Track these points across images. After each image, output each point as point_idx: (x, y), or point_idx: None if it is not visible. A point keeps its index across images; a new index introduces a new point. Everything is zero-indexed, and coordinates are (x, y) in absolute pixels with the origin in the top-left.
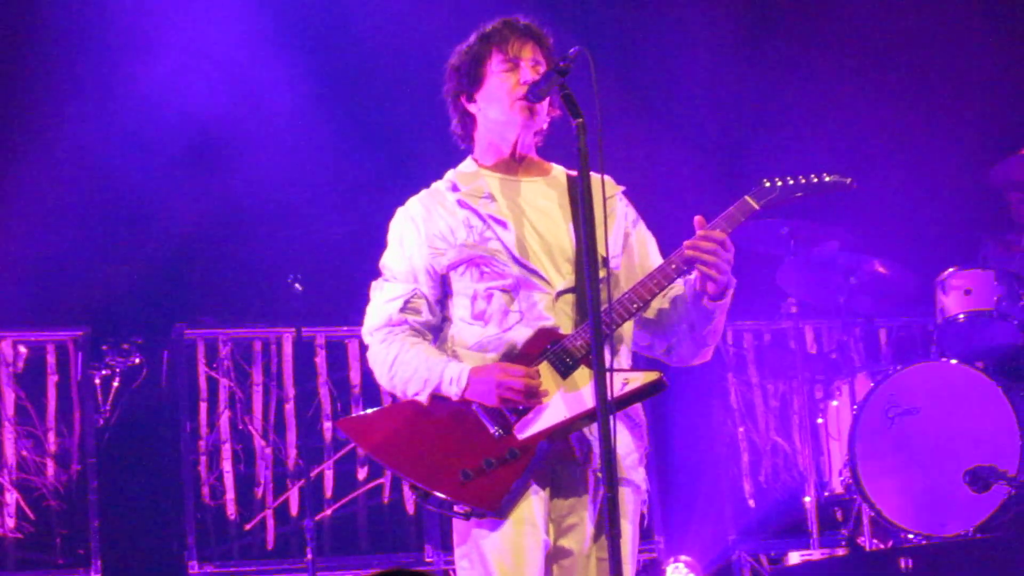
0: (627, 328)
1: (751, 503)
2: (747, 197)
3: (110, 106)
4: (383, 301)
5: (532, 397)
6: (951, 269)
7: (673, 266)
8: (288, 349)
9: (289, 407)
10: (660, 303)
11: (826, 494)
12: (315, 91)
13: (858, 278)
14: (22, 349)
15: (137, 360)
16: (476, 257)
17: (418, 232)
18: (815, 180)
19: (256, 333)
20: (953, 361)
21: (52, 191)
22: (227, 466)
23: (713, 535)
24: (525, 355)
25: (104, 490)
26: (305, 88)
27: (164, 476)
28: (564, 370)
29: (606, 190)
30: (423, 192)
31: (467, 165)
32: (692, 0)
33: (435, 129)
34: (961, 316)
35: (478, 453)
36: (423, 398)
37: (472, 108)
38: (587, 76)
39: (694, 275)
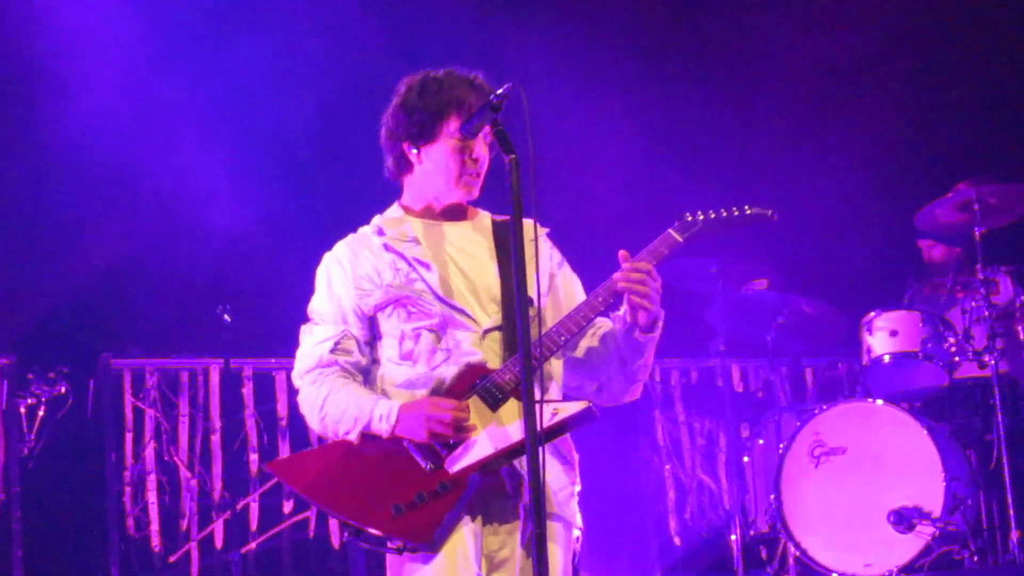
0: (556, 366)
1: (677, 541)
2: (670, 231)
3: (35, 134)
4: (313, 344)
5: (461, 431)
6: (877, 310)
7: (600, 299)
8: (215, 380)
9: (215, 438)
10: (589, 342)
11: (751, 532)
12: (246, 124)
13: (785, 317)
14: None
15: (63, 389)
16: (403, 297)
17: (345, 274)
18: (736, 213)
19: (183, 364)
20: (879, 401)
21: None
22: (152, 497)
23: (638, 573)
24: (454, 391)
25: (28, 520)
26: (236, 119)
27: (89, 507)
28: (493, 403)
29: (531, 233)
30: (349, 237)
31: (393, 211)
32: (613, 33)
33: (368, 167)
34: (887, 357)
35: (410, 487)
36: (353, 437)
37: (412, 157)
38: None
39: (622, 309)
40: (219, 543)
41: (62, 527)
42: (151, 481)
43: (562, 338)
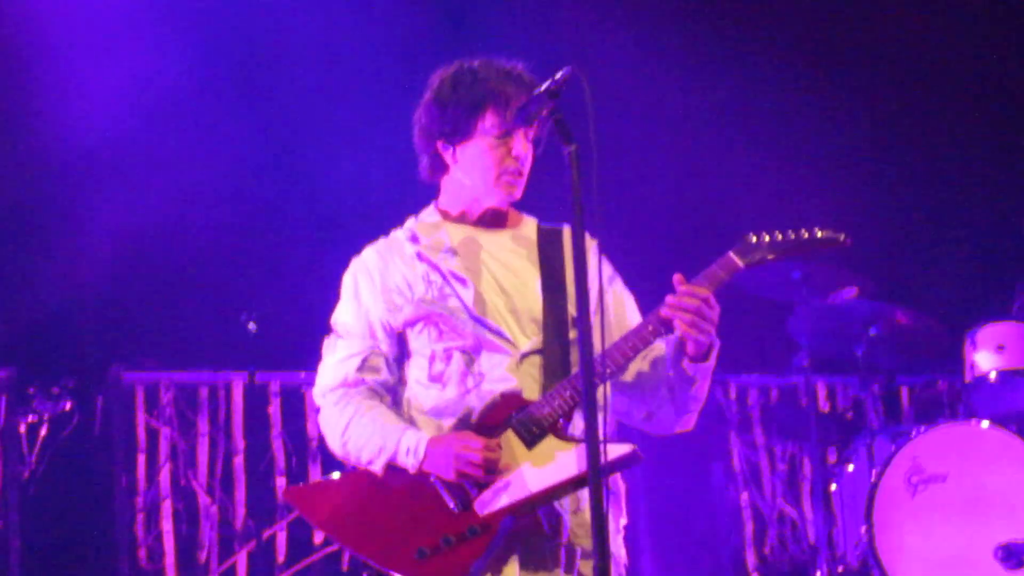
0: (605, 391)
1: None
2: (731, 253)
3: (34, 126)
4: (338, 360)
5: (492, 471)
6: (982, 322)
7: (650, 327)
8: (238, 396)
9: (238, 461)
10: (639, 365)
11: (840, 569)
12: (272, 124)
13: (878, 329)
14: None
15: (68, 406)
16: (434, 315)
17: (373, 285)
18: (806, 236)
19: (203, 378)
20: (984, 423)
21: None
22: (167, 526)
23: None
24: (486, 424)
25: (28, 551)
26: (261, 119)
27: (96, 536)
28: (529, 440)
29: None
30: (380, 241)
31: (429, 214)
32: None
33: (402, 169)
34: (993, 374)
35: (436, 530)
36: (378, 468)
37: (447, 157)
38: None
39: (676, 334)
40: None
41: (66, 558)
42: (166, 508)
43: (608, 370)
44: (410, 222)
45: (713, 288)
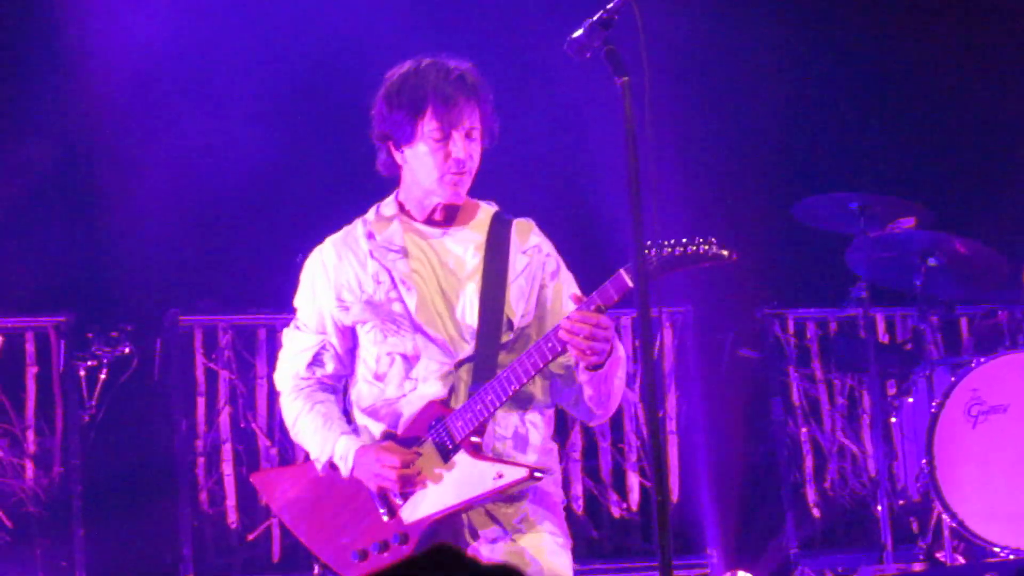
0: (535, 388)
1: (815, 512)
2: (622, 271)
3: (97, 76)
4: (293, 352)
5: (409, 485)
6: None
7: (549, 345)
8: None
9: None
10: (566, 358)
11: (900, 502)
12: (320, 66)
13: (937, 259)
14: None
15: (127, 350)
16: (379, 318)
17: (328, 281)
18: (692, 251)
19: (260, 319)
20: None
21: (33, 163)
22: (227, 468)
23: (773, 548)
24: (410, 432)
25: (89, 495)
26: (310, 63)
27: (157, 480)
28: (444, 453)
29: (522, 242)
30: (340, 233)
31: (388, 206)
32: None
33: None
34: None
35: (368, 534)
36: (319, 467)
37: (398, 157)
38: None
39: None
40: None
41: (127, 503)
42: (226, 451)
43: (512, 387)
44: (370, 214)
45: (608, 304)
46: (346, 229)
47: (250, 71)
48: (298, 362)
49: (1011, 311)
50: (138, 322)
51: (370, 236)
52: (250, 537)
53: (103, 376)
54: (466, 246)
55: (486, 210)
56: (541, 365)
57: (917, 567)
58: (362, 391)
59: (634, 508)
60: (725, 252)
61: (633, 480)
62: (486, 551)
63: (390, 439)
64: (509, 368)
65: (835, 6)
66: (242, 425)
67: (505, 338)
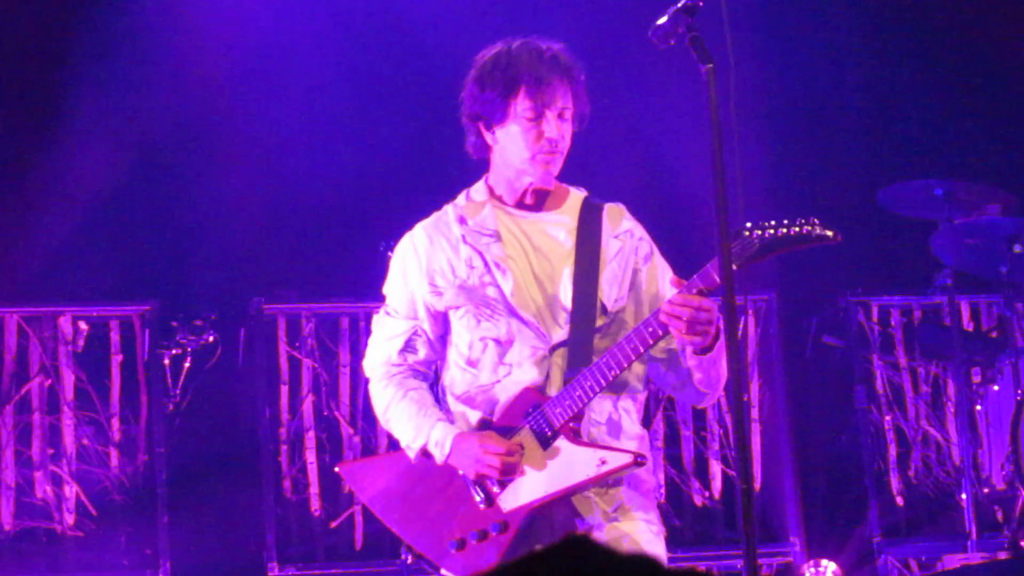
0: (628, 374)
1: (899, 501)
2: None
3: (183, 69)
4: (384, 338)
5: (510, 472)
6: None
7: (650, 329)
8: None
9: None
10: (668, 342)
11: (985, 491)
12: (404, 58)
13: (1023, 246)
14: (83, 325)
15: (211, 338)
16: (473, 303)
17: (420, 266)
18: (796, 231)
19: (343, 308)
20: None
21: (118, 152)
22: (311, 456)
23: (856, 537)
24: (505, 421)
25: (174, 483)
26: (394, 55)
27: (241, 468)
28: (543, 440)
29: (613, 227)
30: (431, 219)
31: (478, 191)
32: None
33: None
34: None
35: (465, 523)
36: (411, 455)
37: (488, 138)
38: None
39: None
40: None
41: (211, 491)
42: (310, 438)
43: (611, 372)
44: (460, 199)
45: (709, 286)
46: (436, 215)
47: (334, 64)
48: (389, 348)
49: None
50: (222, 311)
51: (462, 220)
52: (333, 525)
53: (187, 364)
54: (558, 230)
55: (576, 195)
56: (642, 350)
57: (1002, 555)
58: (455, 377)
59: (717, 496)
60: (830, 233)
61: (715, 468)
62: None
63: (487, 426)
64: (608, 353)
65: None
66: (325, 413)
67: (600, 322)
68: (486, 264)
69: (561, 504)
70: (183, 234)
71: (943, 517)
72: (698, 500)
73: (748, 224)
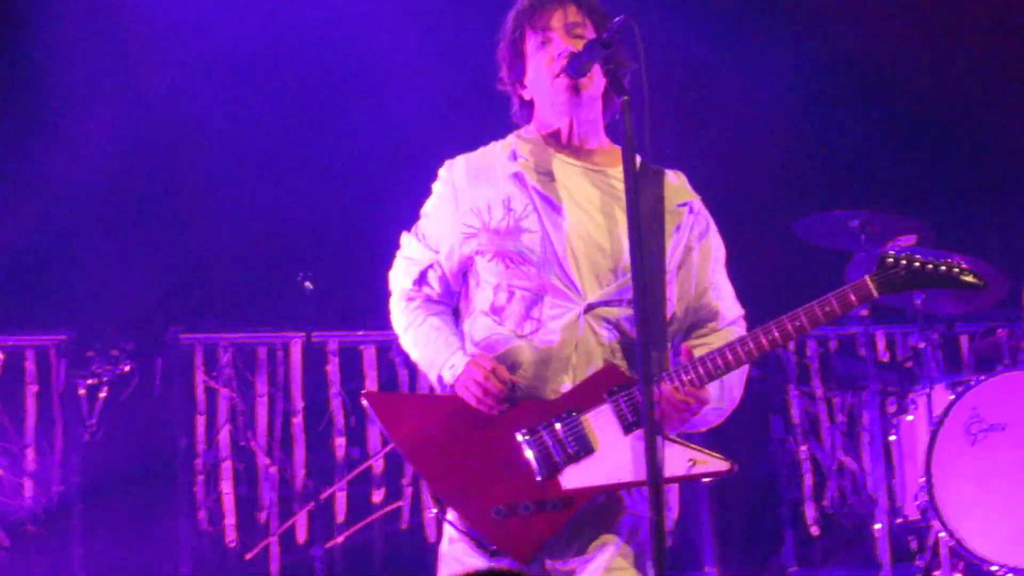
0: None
1: (814, 530)
2: (868, 279)
3: (100, 100)
4: (405, 259)
5: (488, 400)
6: None
7: (797, 323)
8: (296, 356)
9: (297, 421)
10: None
11: (899, 521)
12: (321, 84)
13: None
14: None
15: (127, 368)
16: (505, 249)
17: (455, 202)
18: (944, 271)
19: (261, 338)
20: None
21: (34, 181)
22: (227, 487)
23: (772, 566)
24: (583, 393)
25: (89, 514)
26: (311, 81)
27: (156, 498)
28: (626, 425)
29: (677, 197)
30: (477, 152)
31: (531, 132)
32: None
33: (445, 120)
34: None
35: (516, 492)
36: (432, 377)
37: (526, 95)
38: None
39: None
40: (301, 537)
41: (127, 521)
42: (226, 469)
43: (718, 371)
44: (512, 137)
45: (846, 312)
46: (483, 149)
47: (252, 97)
48: (408, 273)
49: (1011, 329)
50: (138, 340)
51: (514, 156)
52: (249, 556)
53: (103, 394)
54: (617, 184)
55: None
56: (757, 355)
57: None
58: (476, 322)
59: None
60: (975, 280)
61: None
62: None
63: (559, 399)
64: (717, 352)
65: (835, 23)
66: (242, 444)
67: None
68: (534, 206)
69: (621, 494)
70: (99, 263)
71: (858, 547)
72: None
73: (892, 252)
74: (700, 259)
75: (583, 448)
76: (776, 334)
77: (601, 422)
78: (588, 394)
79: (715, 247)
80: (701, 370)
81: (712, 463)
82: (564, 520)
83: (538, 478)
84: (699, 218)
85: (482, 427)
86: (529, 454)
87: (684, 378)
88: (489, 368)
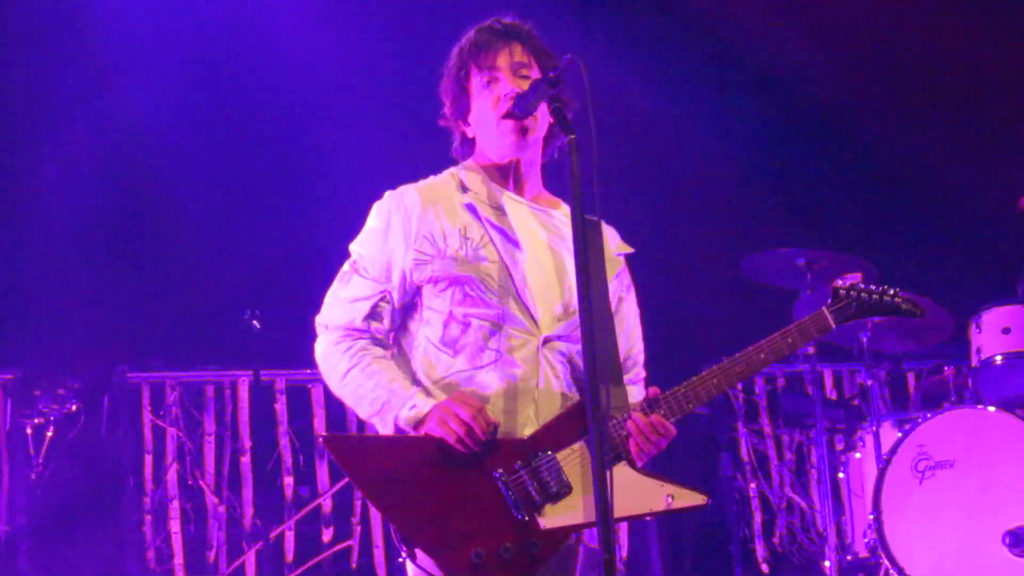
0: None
1: (764, 568)
2: (825, 310)
3: (46, 142)
4: (348, 299)
5: (469, 440)
6: (987, 305)
7: (790, 340)
8: (244, 394)
9: (245, 460)
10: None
11: (848, 558)
12: (267, 115)
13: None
14: None
15: (74, 407)
16: (463, 277)
17: (408, 228)
18: (888, 300)
19: (208, 376)
20: (991, 408)
21: None
22: (175, 526)
23: None
24: (555, 430)
25: (36, 553)
26: (259, 109)
27: (104, 538)
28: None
29: (617, 247)
30: (424, 182)
31: (473, 167)
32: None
33: (396, 151)
34: (999, 358)
35: (495, 535)
36: (383, 425)
37: (468, 132)
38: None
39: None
40: None
41: (74, 561)
42: (174, 508)
43: (690, 405)
44: (455, 171)
45: (804, 343)
46: (430, 179)
47: (203, 132)
48: (353, 312)
49: (957, 366)
50: (85, 379)
51: (464, 188)
52: None
53: (50, 433)
54: (559, 225)
55: (566, 206)
56: (726, 387)
57: None
58: (429, 358)
59: None
60: (914, 310)
61: None
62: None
63: (531, 437)
64: (690, 387)
65: (778, 64)
66: (190, 482)
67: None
68: (490, 237)
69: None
70: (46, 302)
71: None
72: None
73: (840, 283)
74: (628, 310)
75: (563, 487)
76: (741, 367)
77: (576, 460)
78: (561, 431)
79: (633, 307)
80: (674, 404)
81: (689, 497)
82: (545, 560)
83: (518, 518)
84: (627, 272)
85: (455, 468)
86: (508, 494)
87: (660, 411)
88: (477, 407)
